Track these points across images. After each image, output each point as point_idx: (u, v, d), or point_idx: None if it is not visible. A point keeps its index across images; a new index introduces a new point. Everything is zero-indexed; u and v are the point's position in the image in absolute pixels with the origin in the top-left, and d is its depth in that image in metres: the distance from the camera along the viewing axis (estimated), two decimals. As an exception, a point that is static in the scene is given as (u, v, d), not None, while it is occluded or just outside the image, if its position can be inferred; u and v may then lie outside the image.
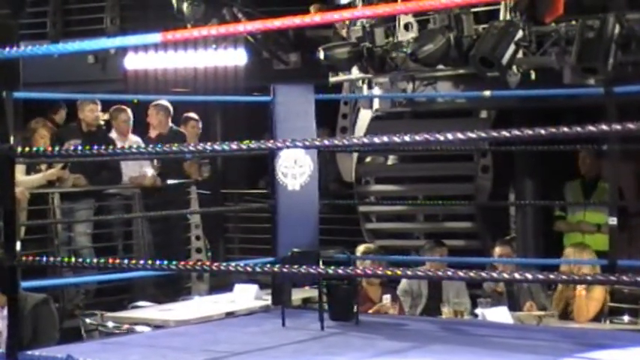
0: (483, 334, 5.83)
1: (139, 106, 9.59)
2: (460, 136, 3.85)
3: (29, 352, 4.71)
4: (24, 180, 8.15)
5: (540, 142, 7.50)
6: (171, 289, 9.02)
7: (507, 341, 5.59)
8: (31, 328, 5.88)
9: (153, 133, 9.45)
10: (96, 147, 4.98)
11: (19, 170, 7.97)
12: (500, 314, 6.69)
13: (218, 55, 10.27)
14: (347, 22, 8.24)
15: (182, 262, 5.24)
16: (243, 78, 10.25)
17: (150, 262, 5.18)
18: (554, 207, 8.74)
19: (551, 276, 4.27)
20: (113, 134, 9.27)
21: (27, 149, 5.03)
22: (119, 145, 8.77)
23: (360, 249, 7.80)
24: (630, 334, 6.35)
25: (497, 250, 7.89)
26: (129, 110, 9.31)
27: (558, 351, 5.18)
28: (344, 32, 8.64)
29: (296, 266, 4.88)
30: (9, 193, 4.78)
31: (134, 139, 9.30)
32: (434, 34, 7.32)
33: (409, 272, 4.42)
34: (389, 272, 4.17)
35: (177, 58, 10.39)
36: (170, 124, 9.56)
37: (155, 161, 9.16)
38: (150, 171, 9.16)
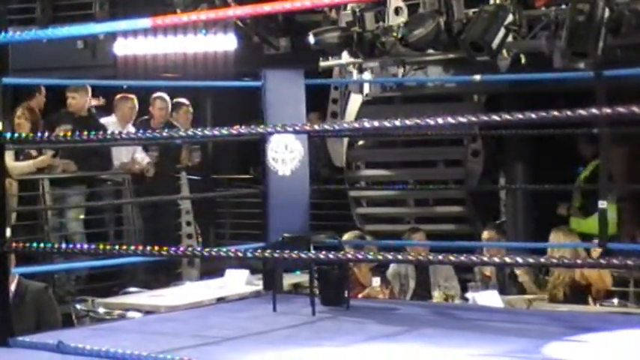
0: (474, 317, 5.84)
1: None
2: (450, 120, 3.86)
3: (20, 338, 4.70)
4: (14, 166, 8.11)
5: (530, 126, 7.50)
6: (162, 275, 9.02)
7: (498, 325, 5.61)
8: (34, 316, 5.85)
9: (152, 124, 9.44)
10: (86, 133, 4.97)
11: (8, 156, 7.94)
12: (490, 298, 6.71)
13: (208, 40, 10.22)
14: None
15: (173, 248, 5.25)
16: (233, 63, 10.19)
17: (141, 247, 5.19)
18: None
19: (541, 260, 4.28)
20: (113, 118, 9.23)
21: (16, 135, 5.01)
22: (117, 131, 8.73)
23: (345, 238, 7.75)
24: (620, 317, 6.37)
25: (486, 234, 7.93)
26: (134, 98, 9.29)
27: (548, 334, 5.20)
28: (334, 16, 8.63)
29: (287, 251, 4.88)
30: (-1, 179, 4.76)
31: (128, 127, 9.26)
32: (424, 18, 7.30)
33: (400, 257, 4.43)
34: (380, 256, 4.18)
35: (167, 43, 10.34)
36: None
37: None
38: (140, 156, 9.14)
